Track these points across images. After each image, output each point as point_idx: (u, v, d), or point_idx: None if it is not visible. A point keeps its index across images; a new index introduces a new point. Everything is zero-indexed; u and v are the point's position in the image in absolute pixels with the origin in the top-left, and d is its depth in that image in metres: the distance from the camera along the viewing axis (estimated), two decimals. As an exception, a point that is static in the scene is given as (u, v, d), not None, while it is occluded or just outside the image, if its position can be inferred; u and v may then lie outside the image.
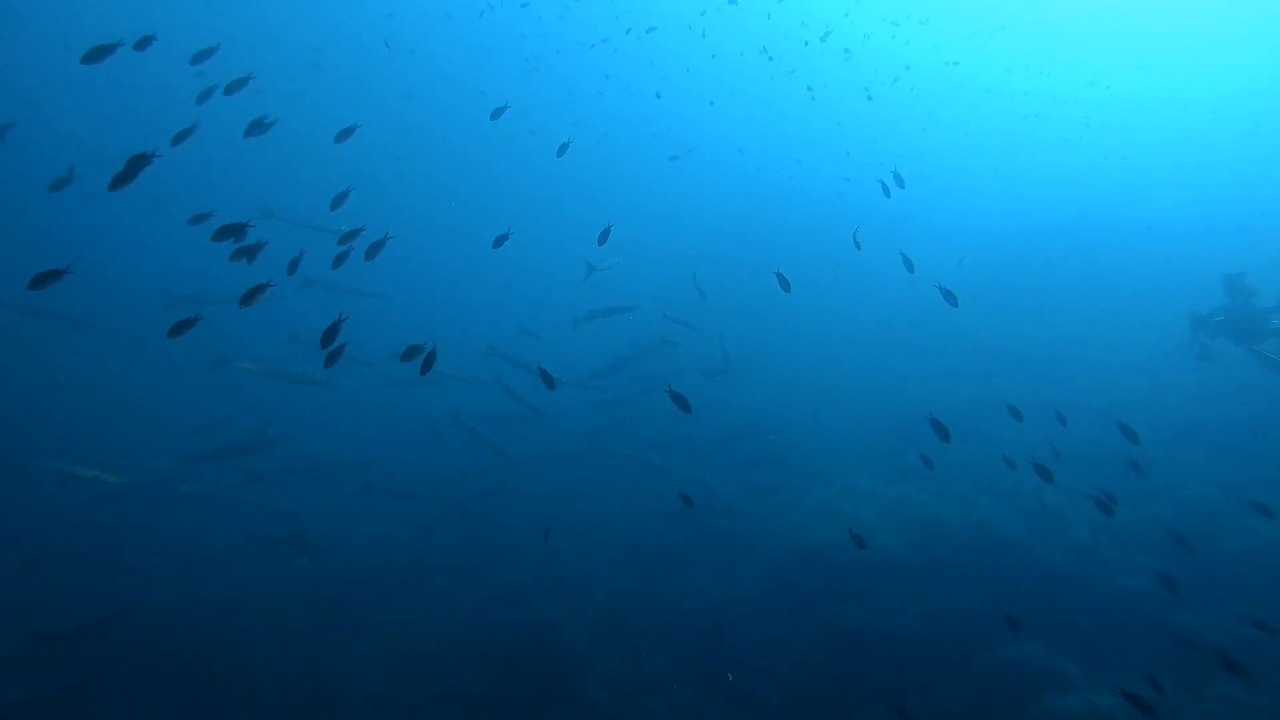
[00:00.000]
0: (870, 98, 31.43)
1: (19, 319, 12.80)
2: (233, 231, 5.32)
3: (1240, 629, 6.64)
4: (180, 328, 5.08)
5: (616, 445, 13.63)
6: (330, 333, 4.61)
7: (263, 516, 11.21)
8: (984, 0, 38.02)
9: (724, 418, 14.64)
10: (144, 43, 6.33)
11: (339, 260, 6.55)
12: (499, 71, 36.28)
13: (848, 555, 9.22)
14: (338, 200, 7.01)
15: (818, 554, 9.32)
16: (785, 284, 6.39)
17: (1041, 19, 38.70)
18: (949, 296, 6.30)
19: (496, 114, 8.74)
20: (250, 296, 4.87)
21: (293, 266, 6.43)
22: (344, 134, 7.16)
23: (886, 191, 6.64)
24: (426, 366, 4.84)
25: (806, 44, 28.73)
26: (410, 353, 5.24)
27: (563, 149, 8.12)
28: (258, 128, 6.52)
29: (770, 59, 29.63)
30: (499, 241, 6.77)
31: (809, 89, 31.96)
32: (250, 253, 5.47)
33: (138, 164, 5.12)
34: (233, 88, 6.74)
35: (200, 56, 7.11)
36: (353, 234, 6.62)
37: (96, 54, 6.12)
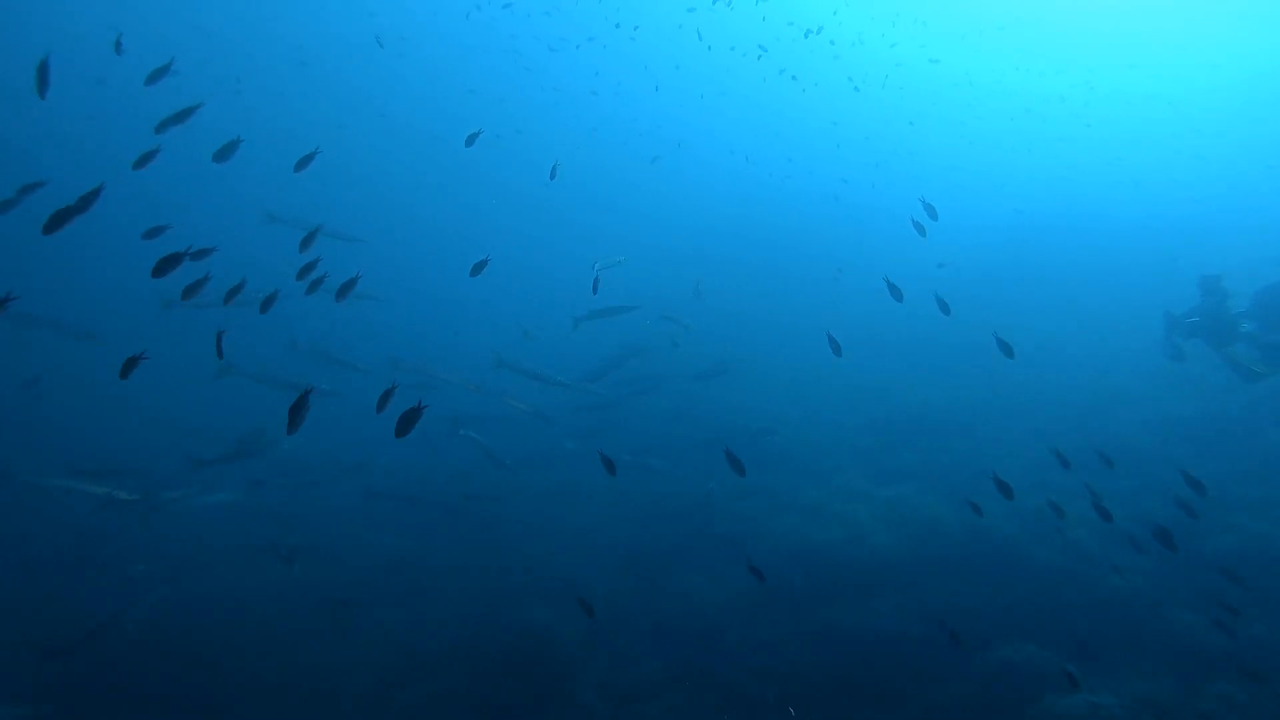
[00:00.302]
0: (857, 89, 31.52)
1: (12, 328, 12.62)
2: (173, 263, 5.17)
3: (1235, 627, 6.66)
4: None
5: (610, 447, 13.58)
6: (297, 409, 4.45)
7: (259, 521, 11.11)
8: (975, 1, 38.17)
9: (715, 418, 14.62)
10: (117, 46, 6.26)
11: (314, 286, 6.42)
12: (488, 70, 36.16)
13: (842, 556, 9.23)
14: (306, 241, 6.81)
15: (812, 555, 9.29)
16: (897, 293, 6.31)
17: (1035, 19, 38.91)
18: (943, 305, 6.28)
19: (470, 140, 8.58)
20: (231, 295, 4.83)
21: (266, 305, 6.30)
22: (304, 161, 7.03)
23: (920, 230, 6.58)
24: (403, 428, 4.57)
25: (806, 35, 28.75)
26: (384, 400, 5.18)
27: (553, 172, 7.94)
28: (226, 151, 6.34)
29: (763, 53, 29.61)
30: (477, 269, 6.64)
31: (794, 79, 31.99)
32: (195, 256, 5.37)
33: (86, 201, 5.13)
34: (182, 114, 6.47)
35: (156, 75, 6.89)
36: (310, 267, 6.47)
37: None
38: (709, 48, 30.33)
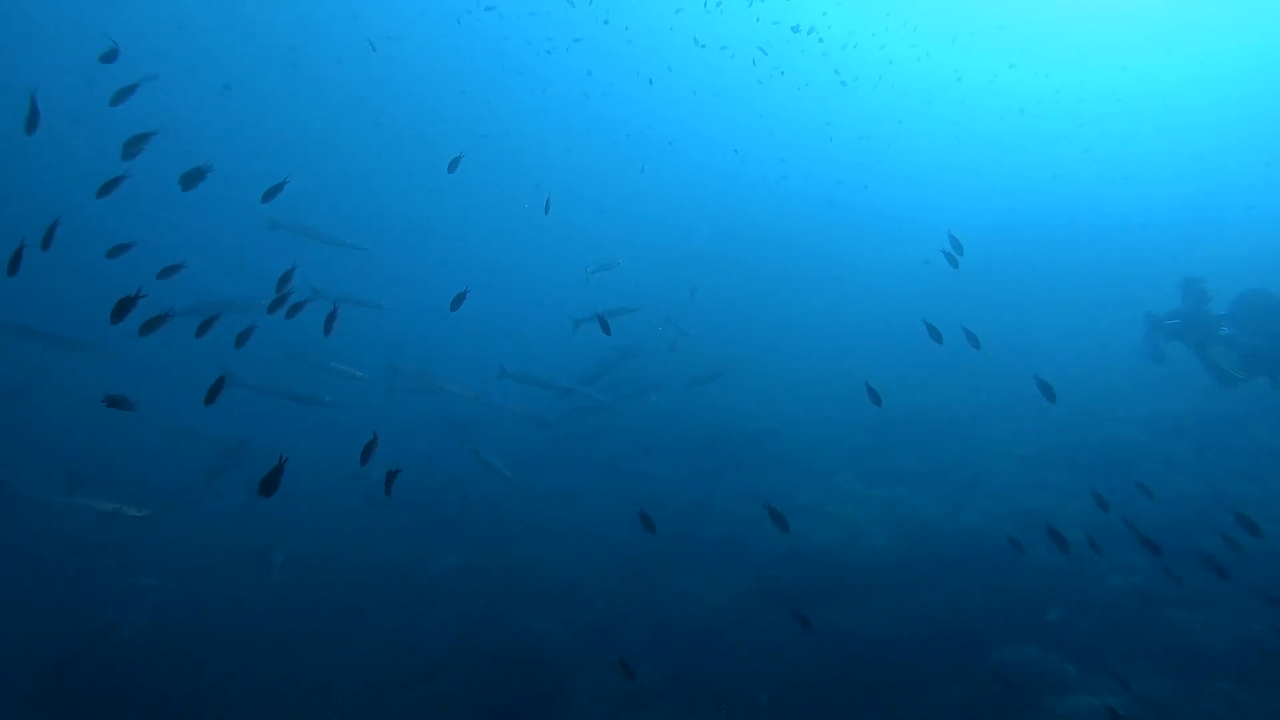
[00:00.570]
0: (844, 83, 31.60)
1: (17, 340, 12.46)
2: (128, 306, 5.08)
3: (1238, 626, 6.66)
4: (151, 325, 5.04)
5: (607, 452, 13.57)
6: (271, 477, 4.39)
7: (259, 527, 11.02)
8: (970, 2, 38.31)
9: (712, 420, 14.61)
10: (110, 55, 6.14)
11: (293, 311, 6.33)
12: (479, 71, 36.10)
13: (839, 558, 9.22)
14: (282, 283, 6.59)
15: (808, 557, 9.25)
16: (936, 335, 6.31)
17: (1030, 18, 39.06)
18: (934, 333, 6.30)
19: (453, 165, 8.49)
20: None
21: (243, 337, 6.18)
22: (272, 191, 6.81)
23: (953, 262, 6.58)
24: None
25: (794, 30, 28.81)
26: (367, 453, 5.11)
27: (548, 205, 7.80)
28: (194, 177, 6.18)
29: (763, 55, 29.69)
30: (456, 304, 6.54)
31: (783, 74, 32.04)
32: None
33: (46, 239, 5.21)
34: (140, 138, 6.20)
35: (121, 94, 6.70)
36: (280, 300, 6.30)
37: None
38: (702, 46, 30.36)
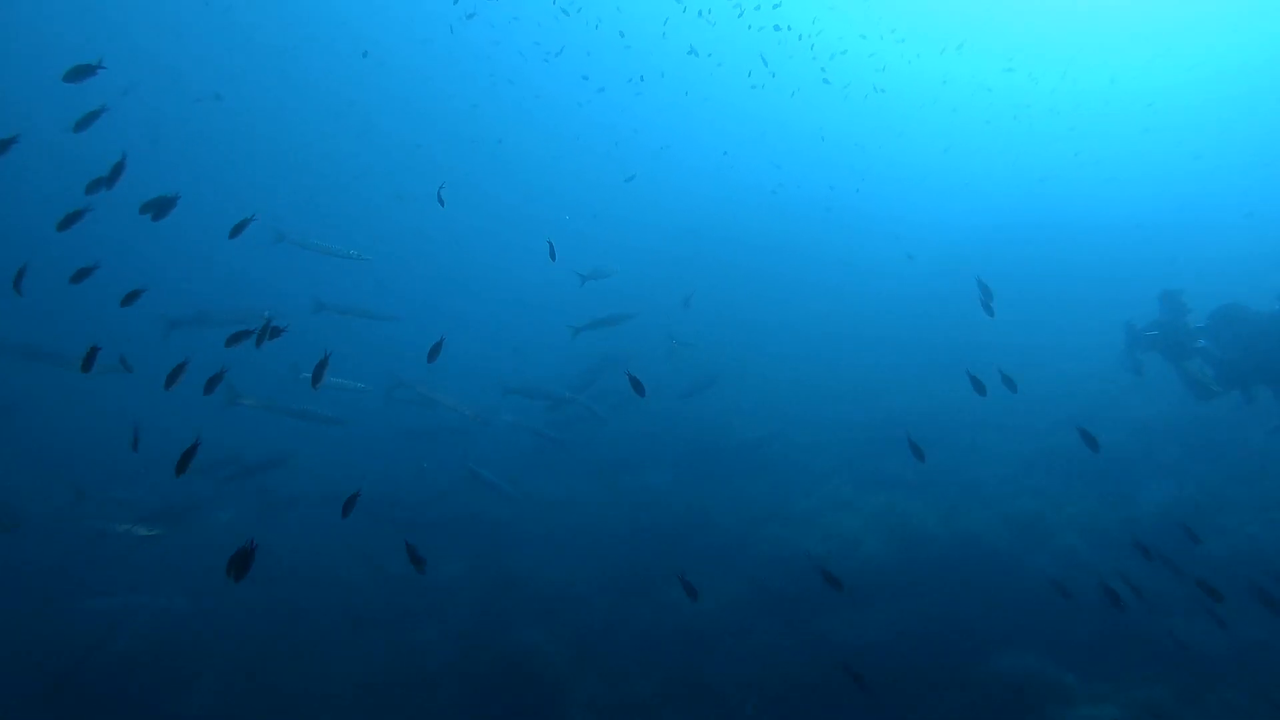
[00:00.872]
0: (827, 81, 31.71)
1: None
2: (94, 356, 5.11)
3: (1235, 632, 6.68)
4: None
5: (599, 459, 13.53)
6: (242, 559, 4.35)
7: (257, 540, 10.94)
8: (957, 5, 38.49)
9: (705, 426, 14.60)
10: (95, 68, 6.00)
11: (274, 333, 6.30)
12: (469, 78, 36.11)
13: (833, 567, 9.18)
14: (261, 337, 6.41)
15: (802, 566, 9.06)
16: (980, 387, 6.26)
17: (1025, 19, 39.25)
18: (977, 385, 6.21)
19: (440, 197, 8.41)
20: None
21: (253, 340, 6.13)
22: (238, 228, 6.72)
23: (988, 309, 6.59)
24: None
25: (775, 29, 28.97)
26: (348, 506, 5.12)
27: (551, 252, 7.65)
28: (159, 206, 6.08)
29: (764, 65, 29.83)
30: (433, 354, 6.49)
31: (774, 75, 32.16)
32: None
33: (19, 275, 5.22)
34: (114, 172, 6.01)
35: (85, 121, 6.52)
36: (241, 334, 6.13)
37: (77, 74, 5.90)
38: (696, 55, 30.43)
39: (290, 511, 11.78)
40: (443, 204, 8.60)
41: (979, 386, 5.96)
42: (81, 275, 5.93)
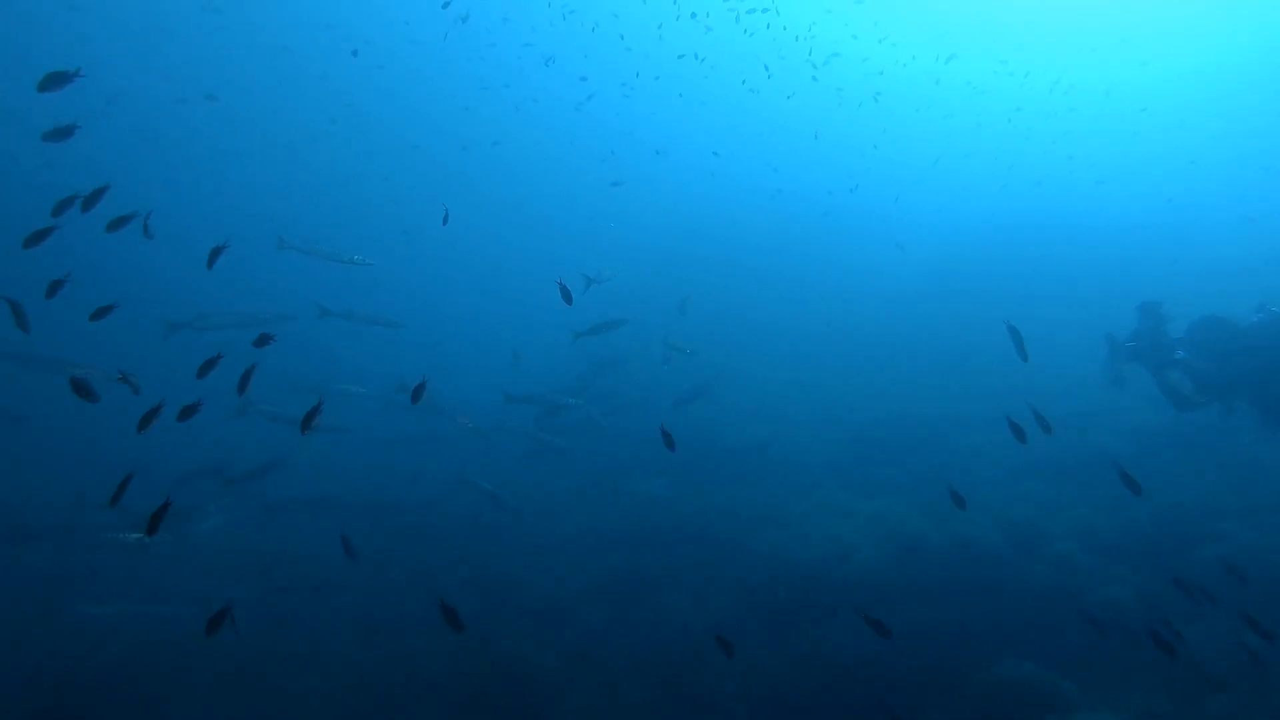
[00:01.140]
0: (815, 79, 31.83)
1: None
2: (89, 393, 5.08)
3: (1231, 639, 6.68)
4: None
5: (591, 467, 13.50)
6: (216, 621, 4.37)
7: (240, 551, 10.89)
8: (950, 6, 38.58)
9: (697, 431, 14.56)
10: (72, 76, 5.92)
11: (264, 341, 6.28)
12: (468, 79, 36.07)
13: (828, 575, 9.12)
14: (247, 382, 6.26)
15: (797, 574, 9.11)
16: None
17: (1021, 20, 39.35)
18: (1017, 431, 6.10)
19: (444, 220, 8.37)
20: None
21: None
22: (213, 255, 6.63)
23: (1021, 355, 6.56)
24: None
25: (769, 28, 29.09)
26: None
27: (566, 295, 7.53)
28: (120, 223, 6.03)
29: (769, 74, 29.99)
30: (417, 395, 6.48)
31: (769, 77, 32.27)
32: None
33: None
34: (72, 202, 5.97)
35: (55, 134, 6.32)
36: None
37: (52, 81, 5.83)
38: (696, 59, 30.49)
39: (284, 516, 11.71)
40: (446, 223, 8.64)
41: (1019, 433, 5.91)
42: (54, 288, 5.82)
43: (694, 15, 29.10)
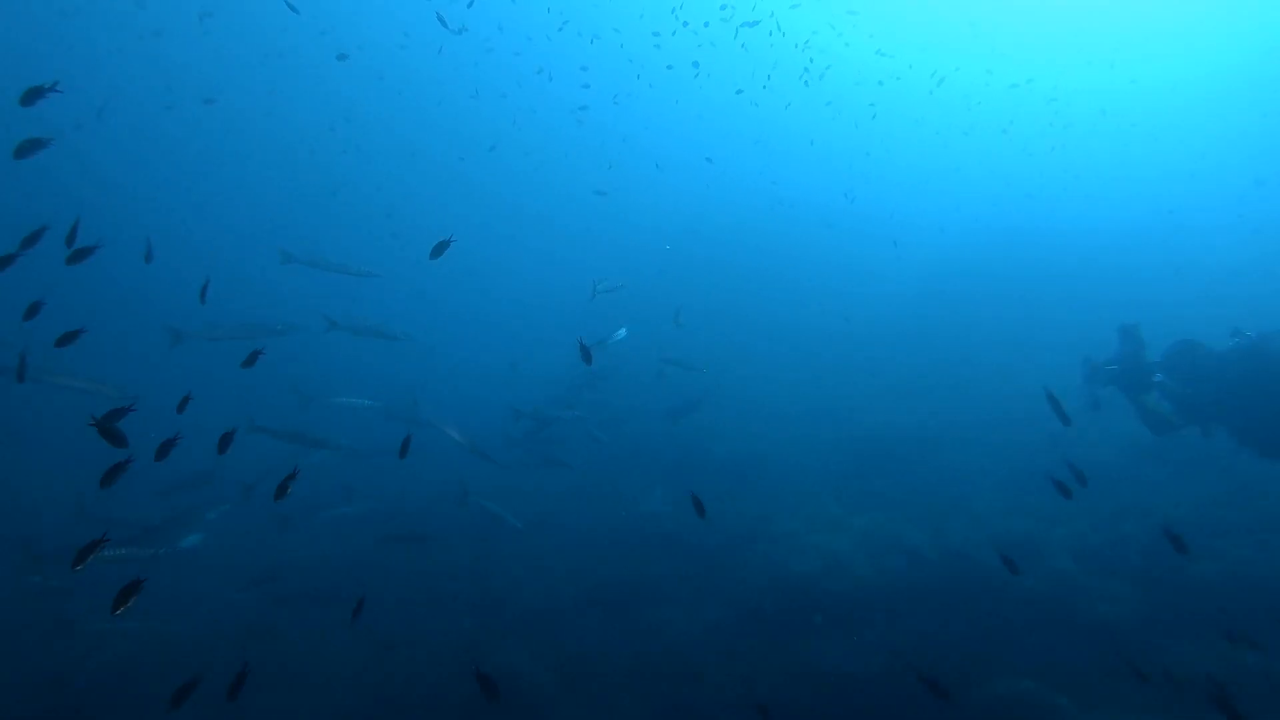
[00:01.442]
0: (806, 83, 31.97)
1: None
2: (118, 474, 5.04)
3: (1227, 655, 6.70)
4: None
5: (583, 478, 13.47)
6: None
7: (233, 561, 10.84)
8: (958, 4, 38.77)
9: (687, 445, 14.58)
10: (48, 90, 5.88)
11: (251, 358, 6.26)
12: (468, 82, 36.15)
13: (822, 589, 9.06)
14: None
15: (790, 588, 9.08)
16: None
17: (1020, 22, 39.53)
18: (1062, 489, 6.06)
19: (443, 248, 8.39)
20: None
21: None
22: (203, 291, 6.65)
23: (1063, 420, 6.53)
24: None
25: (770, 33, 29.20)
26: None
27: (587, 355, 7.47)
28: (80, 255, 5.88)
29: (766, 79, 30.10)
30: (403, 450, 6.49)
31: (765, 86, 32.41)
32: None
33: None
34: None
35: (24, 148, 6.12)
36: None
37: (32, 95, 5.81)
38: (697, 66, 30.58)
39: (290, 526, 11.68)
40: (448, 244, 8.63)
41: (1064, 490, 5.92)
42: (33, 310, 5.80)
43: (685, 24, 29.24)
